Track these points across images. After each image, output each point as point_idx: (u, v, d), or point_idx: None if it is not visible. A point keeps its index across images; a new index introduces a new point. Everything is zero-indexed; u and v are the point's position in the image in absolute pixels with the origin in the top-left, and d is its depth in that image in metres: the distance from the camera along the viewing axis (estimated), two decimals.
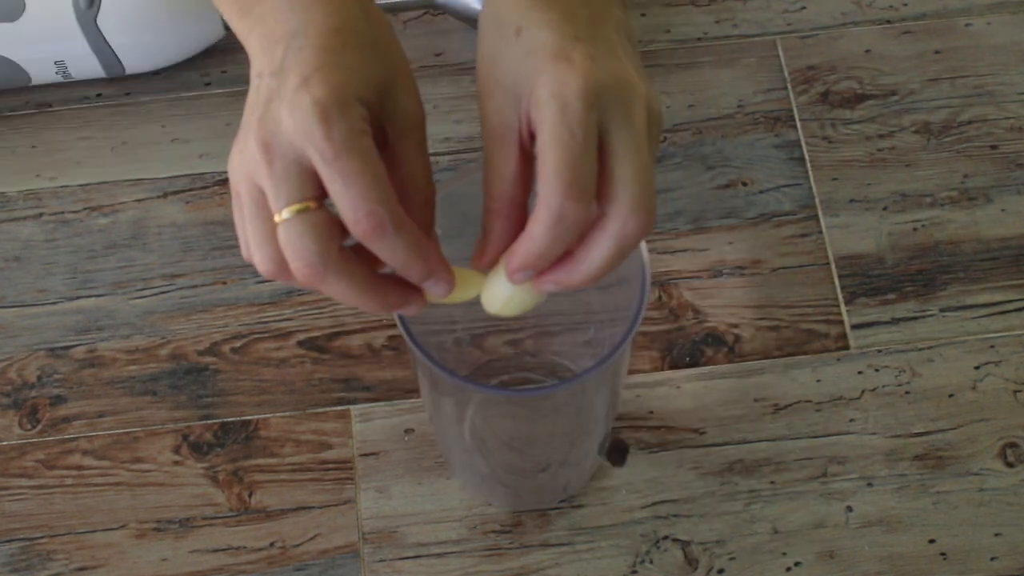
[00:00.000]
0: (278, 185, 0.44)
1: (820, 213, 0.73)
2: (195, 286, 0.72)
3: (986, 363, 0.69)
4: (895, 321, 0.70)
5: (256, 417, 0.68)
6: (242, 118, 0.47)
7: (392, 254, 0.45)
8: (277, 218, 0.45)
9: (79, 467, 0.67)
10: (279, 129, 0.44)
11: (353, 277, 0.46)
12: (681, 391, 0.69)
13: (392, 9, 0.78)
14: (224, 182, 0.74)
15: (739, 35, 0.79)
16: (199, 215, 0.74)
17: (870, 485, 0.66)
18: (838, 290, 0.71)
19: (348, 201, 0.44)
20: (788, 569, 0.64)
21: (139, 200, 0.74)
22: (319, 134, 0.43)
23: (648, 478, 0.67)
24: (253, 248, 0.46)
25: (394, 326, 0.70)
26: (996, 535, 0.65)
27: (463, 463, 0.66)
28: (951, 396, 0.68)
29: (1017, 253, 0.72)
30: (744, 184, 0.74)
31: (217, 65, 0.78)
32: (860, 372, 0.69)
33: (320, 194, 0.45)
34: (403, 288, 0.48)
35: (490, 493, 0.66)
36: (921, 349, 0.69)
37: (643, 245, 0.52)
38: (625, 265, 0.54)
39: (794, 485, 0.66)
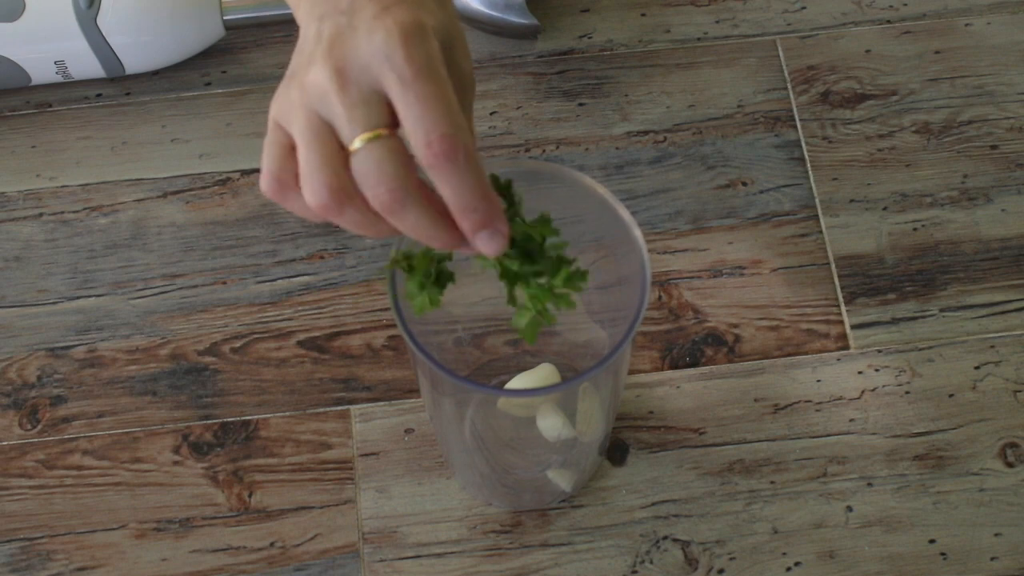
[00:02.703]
0: (353, 111, 0.44)
1: (820, 213, 0.73)
2: (195, 286, 0.72)
3: (986, 363, 0.69)
4: (895, 321, 0.70)
5: (256, 417, 0.68)
6: (295, 59, 0.46)
7: (459, 186, 0.44)
8: (353, 146, 0.44)
9: (79, 467, 0.67)
10: (356, 55, 0.44)
11: (431, 204, 0.45)
12: (681, 391, 0.69)
13: None
14: (224, 182, 0.74)
15: (739, 35, 0.79)
16: (199, 215, 0.74)
17: (870, 485, 0.66)
18: (838, 290, 0.71)
19: (424, 123, 0.43)
20: (788, 569, 0.64)
21: (139, 200, 0.74)
22: (401, 54, 0.43)
23: (648, 478, 0.67)
24: (309, 176, 0.45)
25: (394, 326, 0.70)
26: (996, 535, 0.65)
27: (463, 463, 0.66)
28: (951, 396, 0.68)
29: (1017, 253, 0.72)
30: (744, 184, 0.74)
31: (217, 65, 0.78)
32: (860, 372, 0.69)
33: (393, 123, 0.44)
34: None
35: (490, 493, 0.66)
36: (921, 349, 0.69)
37: (643, 245, 0.52)
38: (625, 264, 0.55)
39: (794, 485, 0.66)
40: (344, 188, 0.45)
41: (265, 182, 0.46)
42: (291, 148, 0.46)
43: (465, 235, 0.46)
